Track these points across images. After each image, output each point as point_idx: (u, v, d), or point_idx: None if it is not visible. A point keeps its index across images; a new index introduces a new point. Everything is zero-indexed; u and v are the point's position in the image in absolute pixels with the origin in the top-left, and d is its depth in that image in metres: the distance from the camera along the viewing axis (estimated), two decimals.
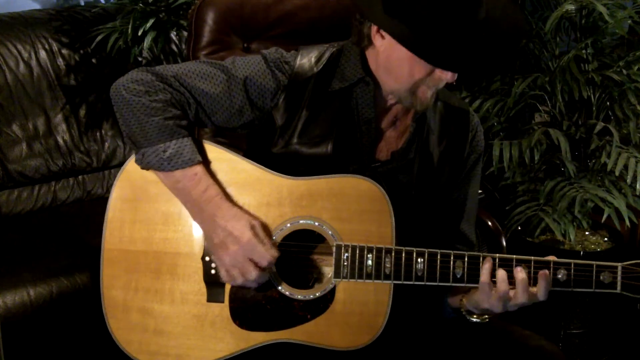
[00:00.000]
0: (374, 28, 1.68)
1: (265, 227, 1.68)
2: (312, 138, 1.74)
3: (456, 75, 1.65)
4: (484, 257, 1.63)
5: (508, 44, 1.65)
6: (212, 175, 1.70)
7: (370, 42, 1.71)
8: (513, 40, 1.67)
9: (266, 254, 1.64)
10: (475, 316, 1.76)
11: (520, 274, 1.61)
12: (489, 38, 1.61)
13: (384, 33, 1.66)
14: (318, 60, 1.77)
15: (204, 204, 1.67)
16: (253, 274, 1.64)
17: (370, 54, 1.74)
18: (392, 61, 1.68)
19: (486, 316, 1.75)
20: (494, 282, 1.62)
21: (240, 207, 1.69)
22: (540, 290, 1.61)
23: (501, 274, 1.61)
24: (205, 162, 1.71)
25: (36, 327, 2.37)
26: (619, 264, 1.61)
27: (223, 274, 1.67)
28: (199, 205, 1.68)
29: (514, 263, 1.63)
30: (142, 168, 1.70)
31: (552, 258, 1.64)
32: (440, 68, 1.63)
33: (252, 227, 1.65)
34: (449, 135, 1.82)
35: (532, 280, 1.62)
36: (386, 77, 1.71)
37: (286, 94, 1.75)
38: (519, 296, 1.61)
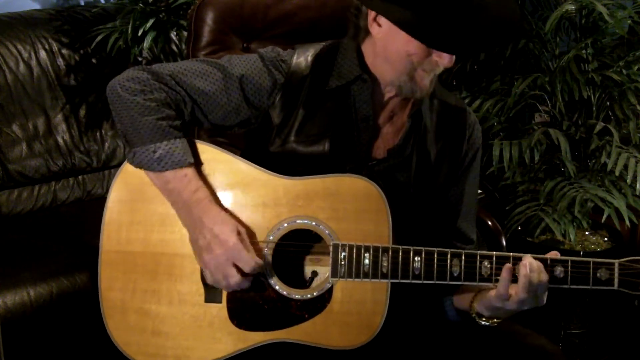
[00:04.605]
0: (371, 17, 1.69)
1: (252, 234, 1.69)
2: (309, 136, 1.74)
3: (453, 59, 1.65)
4: (498, 257, 1.63)
5: (503, 25, 1.65)
6: (208, 176, 1.71)
7: (367, 34, 1.72)
8: (508, 21, 1.66)
9: (250, 261, 1.63)
10: (484, 319, 1.74)
11: (534, 263, 1.61)
12: (484, 20, 1.61)
13: (380, 21, 1.67)
14: (314, 58, 1.77)
15: (192, 206, 1.67)
16: (235, 278, 1.64)
17: (366, 47, 1.75)
18: (389, 48, 1.68)
19: (495, 320, 1.74)
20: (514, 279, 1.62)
21: (228, 212, 1.69)
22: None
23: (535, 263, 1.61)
24: (202, 163, 1.71)
25: (36, 327, 2.37)
26: (616, 261, 1.61)
27: (207, 275, 1.68)
28: (187, 207, 1.67)
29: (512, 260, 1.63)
30: (134, 167, 1.70)
31: (554, 253, 1.64)
32: (438, 50, 1.63)
33: (239, 233, 1.65)
34: (446, 133, 1.82)
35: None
36: (384, 66, 1.72)
37: (283, 92, 1.75)
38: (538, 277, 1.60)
